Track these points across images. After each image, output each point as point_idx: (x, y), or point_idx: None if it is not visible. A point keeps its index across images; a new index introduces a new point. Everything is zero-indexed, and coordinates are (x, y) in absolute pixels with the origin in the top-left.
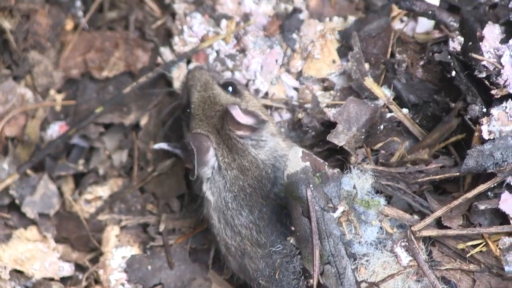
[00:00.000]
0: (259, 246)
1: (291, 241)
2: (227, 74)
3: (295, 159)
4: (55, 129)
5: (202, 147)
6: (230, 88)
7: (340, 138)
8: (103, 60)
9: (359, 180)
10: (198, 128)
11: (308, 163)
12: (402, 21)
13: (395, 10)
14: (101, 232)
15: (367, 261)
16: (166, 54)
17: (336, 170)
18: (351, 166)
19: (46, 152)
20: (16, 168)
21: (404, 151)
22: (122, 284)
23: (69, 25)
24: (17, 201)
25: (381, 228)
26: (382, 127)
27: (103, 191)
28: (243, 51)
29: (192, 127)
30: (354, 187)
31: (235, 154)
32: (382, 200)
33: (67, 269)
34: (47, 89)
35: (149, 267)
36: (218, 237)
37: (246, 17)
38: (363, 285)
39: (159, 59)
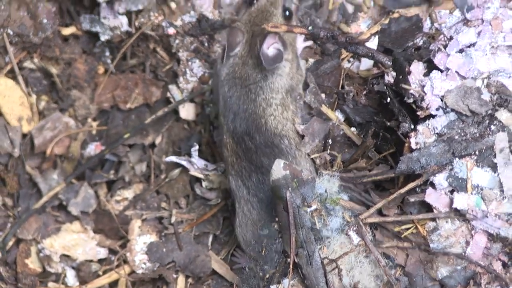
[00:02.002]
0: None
1: (275, 226)
2: None
3: (278, 169)
4: (92, 148)
5: (234, 41)
6: (287, 13)
7: (306, 147)
8: (126, 95)
9: (329, 184)
10: (242, 24)
11: (288, 172)
12: (349, 61)
13: (344, 53)
14: (127, 224)
15: (329, 242)
16: (173, 90)
17: (311, 176)
18: (323, 172)
19: (85, 166)
20: (64, 178)
21: (340, 162)
22: (144, 263)
23: (100, 69)
24: (64, 203)
25: (343, 218)
26: (337, 140)
27: (129, 193)
28: None
29: (240, 20)
30: (326, 191)
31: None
32: (345, 197)
33: (103, 253)
34: (86, 118)
35: (164, 250)
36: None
37: None
38: (326, 261)
39: (168, 94)
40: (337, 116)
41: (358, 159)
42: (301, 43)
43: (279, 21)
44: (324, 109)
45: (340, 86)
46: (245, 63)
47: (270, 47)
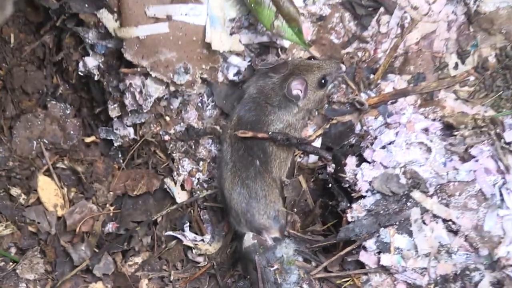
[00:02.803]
0: None
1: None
2: None
3: (248, 239)
4: (110, 226)
5: (279, 68)
6: (323, 81)
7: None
8: (134, 185)
9: (286, 249)
10: (291, 62)
11: (256, 241)
12: (300, 157)
13: (297, 151)
14: (138, 282)
15: None
16: (168, 182)
17: (273, 244)
18: (281, 240)
19: (105, 240)
20: (90, 251)
21: (298, 227)
22: None
23: (115, 167)
24: (90, 267)
25: (298, 274)
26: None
27: (138, 259)
28: (213, 178)
29: (292, 59)
30: (283, 255)
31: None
32: (300, 258)
33: None
34: (105, 203)
35: None
36: None
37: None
38: None
39: (165, 186)
40: (305, 187)
41: (314, 223)
42: None
43: (314, 82)
44: (301, 178)
45: (294, 175)
46: (274, 87)
47: (295, 88)
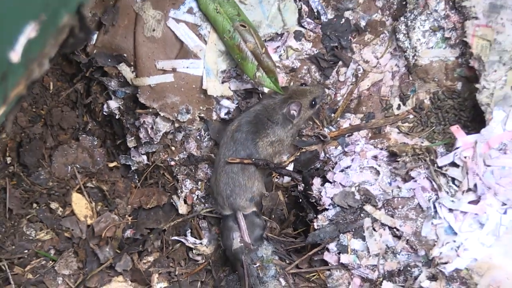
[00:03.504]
0: None
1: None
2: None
3: (236, 242)
4: (128, 232)
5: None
6: (314, 103)
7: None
8: (148, 200)
9: (265, 251)
10: (291, 88)
11: (242, 244)
12: (277, 178)
13: (274, 174)
14: (150, 276)
15: (268, 285)
16: (175, 198)
17: (256, 246)
18: (262, 244)
19: (125, 243)
20: (113, 252)
21: (277, 232)
22: None
23: (132, 186)
24: (113, 265)
25: (276, 270)
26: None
27: (150, 258)
28: (209, 195)
29: (292, 86)
30: (263, 255)
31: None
32: (276, 257)
33: None
34: (124, 215)
35: None
36: None
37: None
38: None
39: (171, 201)
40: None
41: (288, 227)
42: None
43: (307, 104)
44: (279, 192)
45: (272, 190)
46: (275, 107)
47: (292, 109)
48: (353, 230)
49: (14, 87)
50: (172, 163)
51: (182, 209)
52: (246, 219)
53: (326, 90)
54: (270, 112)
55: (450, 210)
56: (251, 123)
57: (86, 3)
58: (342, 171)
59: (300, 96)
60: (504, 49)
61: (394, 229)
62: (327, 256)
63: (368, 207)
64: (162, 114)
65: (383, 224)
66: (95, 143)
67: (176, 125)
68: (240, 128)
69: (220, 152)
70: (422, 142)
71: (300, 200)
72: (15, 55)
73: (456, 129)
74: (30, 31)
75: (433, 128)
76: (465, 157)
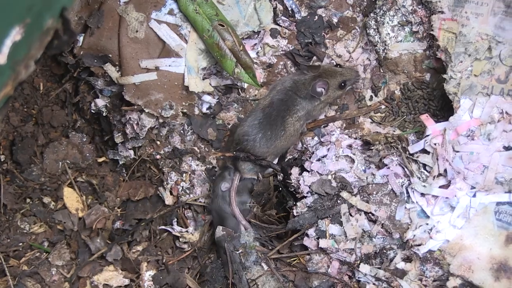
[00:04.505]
0: None
1: (221, 260)
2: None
3: (219, 231)
4: (118, 224)
5: (312, 69)
6: (343, 84)
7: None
8: (135, 193)
9: (248, 237)
10: (322, 66)
11: (224, 232)
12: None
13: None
14: (139, 264)
15: (250, 270)
16: (161, 190)
17: (237, 234)
18: (244, 229)
19: (115, 234)
20: (104, 242)
21: (259, 212)
22: (150, 286)
23: (120, 179)
24: (104, 255)
25: (257, 255)
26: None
27: (140, 247)
28: (193, 186)
29: (322, 64)
30: (246, 241)
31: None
32: (258, 243)
33: (126, 282)
34: (114, 207)
35: (161, 277)
36: None
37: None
38: (249, 280)
39: (158, 192)
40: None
41: (271, 209)
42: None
43: (335, 84)
44: (270, 179)
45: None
46: (305, 83)
47: (319, 86)
48: (330, 216)
49: (2, 89)
50: (158, 156)
51: (168, 200)
52: (241, 182)
53: (361, 75)
54: (299, 87)
55: (422, 194)
56: (283, 101)
57: (69, 6)
58: (318, 160)
59: (330, 76)
60: (469, 41)
61: (370, 214)
62: (306, 241)
63: (344, 194)
64: (146, 110)
65: (359, 210)
66: (84, 139)
67: (160, 120)
68: (272, 106)
69: (253, 115)
70: (394, 131)
71: (280, 188)
72: (1, 58)
73: (425, 118)
74: (15, 35)
75: (404, 117)
76: (435, 144)
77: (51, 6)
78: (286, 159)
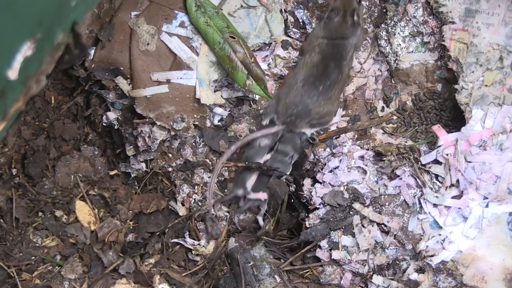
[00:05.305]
0: None
1: (233, 272)
2: None
3: (232, 243)
4: (130, 236)
5: (334, 13)
6: (358, 1)
7: None
8: (147, 205)
9: (259, 250)
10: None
11: (237, 244)
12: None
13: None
14: (152, 277)
15: (263, 282)
16: (172, 203)
17: (249, 247)
18: (257, 242)
19: (127, 246)
20: (116, 255)
21: (270, 229)
22: None
23: (133, 192)
24: (116, 268)
25: (270, 268)
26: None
27: (152, 260)
28: (205, 198)
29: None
30: (256, 254)
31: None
32: (271, 255)
33: None
34: (126, 220)
35: None
36: None
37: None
38: None
39: (170, 205)
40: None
41: (282, 230)
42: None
43: (355, 4)
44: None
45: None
46: (341, 24)
47: (356, 16)
48: (343, 227)
49: (13, 103)
50: (170, 169)
51: (181, 212)
52: (289, 133)
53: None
54: (339, 32)
55: (435, 205)
56: (333, 53)
57: (80, 20)
58: (331, 171)
59: (348, 4)
60: (480, 51)
61: (382, 225)
62: (319, 253)
63: (356, 205)
64: (158, 123)
65: (371, 221)
66: (96, 152)
67: (172, 133)
68: (325, 61)
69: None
70: (406, 142)
71: (292, 200)
72: (13, 73)
73: (437, 128)
74: (26, 50)
75: (416, 128)
76: (447, 155)
77: (62, 21)
78: (299, 171)
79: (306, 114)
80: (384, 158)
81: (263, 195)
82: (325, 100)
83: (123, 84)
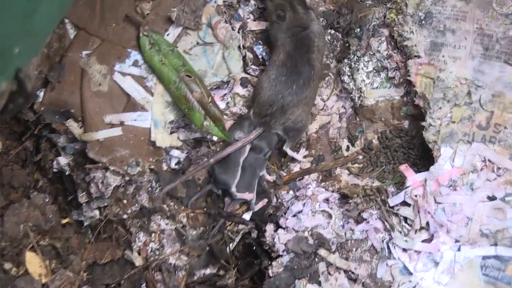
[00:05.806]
0: None
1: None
2: None
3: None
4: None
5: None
6: None
7: None
8: (102, 255)
9: None
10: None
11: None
12: (229, 225)
13: (228, 222)
14: None
15: None
16: (127, 253)
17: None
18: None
19: None
20: None
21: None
22: None
23: (86, 241)
24: None
25: None
26: None
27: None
28: (163, 246)
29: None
30: None
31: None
32: None
33: None
34: (79, 271)
35: None
36: None
37: None
38: None
39: (125, 254)
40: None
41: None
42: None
43: None
44: None
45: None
46: (302, 16)
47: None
48: (308, 275)
49: None
50: (125, 216)
51: (137, 262)
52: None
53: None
54: (297, 25)
55: (404, 250)
56: (298, 47)
57: (25, 67)
58: (294, 216)
59: None
60: (447, 86)
61: (349, 272)
62: None
63: (322, 251)
64: (112, 168)
65: (338, 268)
66: (47, 200)
67: (127, 178)
68: (290, 57)
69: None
70: (372, 183)
71: (254, 247)
72: None
73: (405, 168)
74: None
75: (383, 167)
76: (415, 196)
77: (5, 69)
78: (262, 217)
79: (281, 115)
80: (350, 201)
81: (249, 196)
82: (300, 100)
83: (74, 127)
